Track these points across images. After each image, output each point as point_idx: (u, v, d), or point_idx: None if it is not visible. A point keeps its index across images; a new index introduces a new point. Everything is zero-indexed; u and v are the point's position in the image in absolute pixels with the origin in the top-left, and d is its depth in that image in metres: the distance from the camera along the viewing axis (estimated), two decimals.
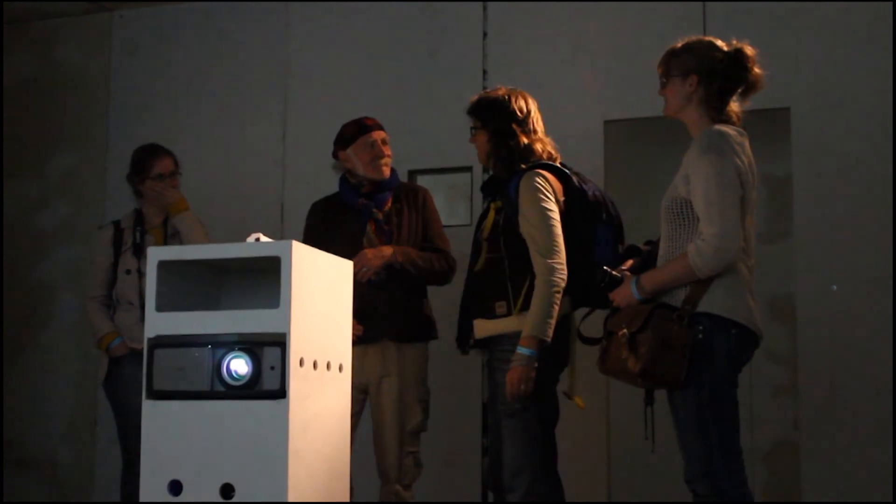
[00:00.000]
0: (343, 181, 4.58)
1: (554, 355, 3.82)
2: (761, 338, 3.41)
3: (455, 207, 5.80)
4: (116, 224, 4.91)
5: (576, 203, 3.91)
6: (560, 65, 5.46)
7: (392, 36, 5.80)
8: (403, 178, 5.54)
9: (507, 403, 3.81)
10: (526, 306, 3.80)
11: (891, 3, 4.97)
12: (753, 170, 3.42)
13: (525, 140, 3.96)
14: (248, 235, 3.19)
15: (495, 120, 3.99)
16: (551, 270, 3.75)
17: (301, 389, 3.02)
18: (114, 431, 4.86)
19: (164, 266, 3.14)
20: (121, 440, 4.79)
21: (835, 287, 4.94)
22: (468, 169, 5.52)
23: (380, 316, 4.30)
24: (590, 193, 3.95)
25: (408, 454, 4.40)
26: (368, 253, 4.30)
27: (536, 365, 3.73)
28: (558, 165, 3.97)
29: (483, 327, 3.93)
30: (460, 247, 4.53)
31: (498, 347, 3.88)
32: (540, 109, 4.07)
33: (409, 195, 4.56)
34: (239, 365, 3.00)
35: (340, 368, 3.28)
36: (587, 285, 3.78)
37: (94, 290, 4.83)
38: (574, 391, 3.92)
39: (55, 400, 6.17)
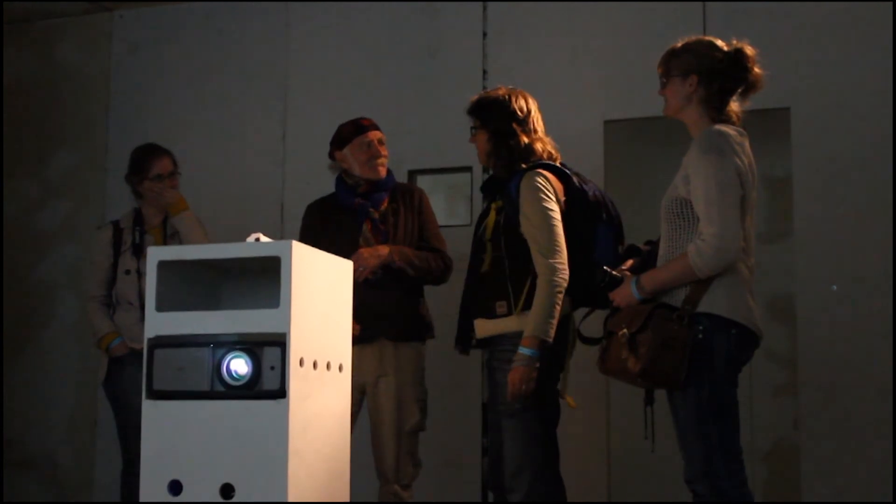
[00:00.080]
0: (339, 181, 4.59)
1: (554, 355, 3.82)
2: (761, 338, 3.41)
3: (455, 207, 5.80)
4: (115, 224, 4.91)
5: (576, 203, 3.91)
6: (560, 65, 5.45)
7: (392, 36, 5.80)
8: (403, 178, 5.55)
9: (508, 403, 3.81)
10: (527, 306, 3.80)
11: (891, 4, 4.97)
12: (753, 170, 3.43)
13: (525, 140, 3.96)
14: (248, 235, 3.19)
15: (495, 120, 3.99)
16: (553, 270, 3.76)
17: (301, 389, 3.02)
18: (114, 431, 4.87)
19: (163, 266, 3.14)
20: (121, 440, 4.79)
21: (835, 287, 4.94)
22: (468, 169, 5.52)
23: (376, 315, 4.30)
24: (590, 193, 3.95)
25: (406, 454, 4.40)
26: (365, 252, 4.30)
27: (538, 365, 3.73)
28: (558, 165, 3.97)
29: (484, 327, 3.93)
30: (460, 247, 4.53)
31: (498, 347, 3.88)
32: (540, 109, 4.07)
33: (405, 195, 4.57)
34: (239, 365, 3.00)
35: (340, 368, 3.28)
36: (587, 285, 3.78)
37: (94, 291, 4.83)
38: (565, 390, 3.92)
39: (55, 400, 6.17)
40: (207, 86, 6.12)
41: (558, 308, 3.75)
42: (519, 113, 3.98)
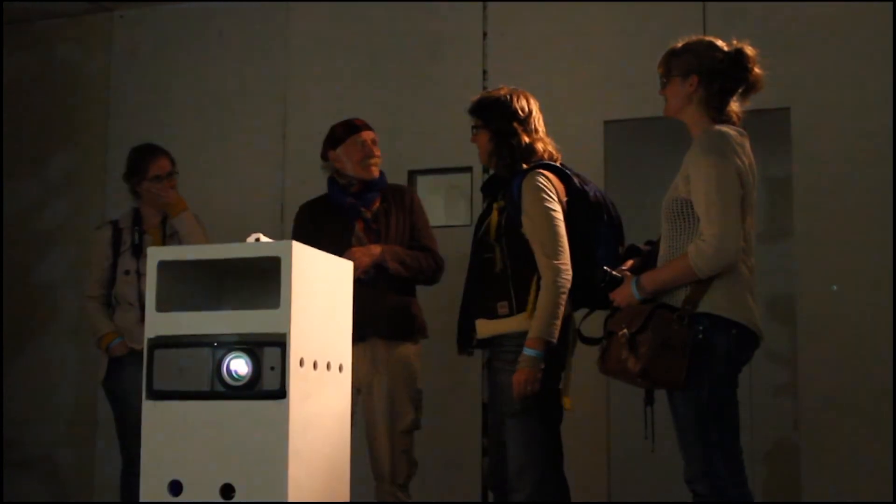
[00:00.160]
0: (332, 182, 4.61)
1: (556, 356, 3.82)
2: (761, 338, 3.41)
3: (455, 207, 5.80)
4: (114, 224, 4.91)
5: (577, 203, 3.91)
6: (560, 65, 5.45)
7: (392, 36, 5.80)
8: (403, 178, 5.55)
9: (511, 404, 3.81)
10: (527, 307, 3.80)
11: (891, 4, 4.97)
12: (754, 170, 3.43)
13: (526, 139, 3.96)
14: (248, 235, 3.19)
15: (497, 119, 3.99)
16: (557, 272, 3.76)
17: (301, 389, 3.02)
18: (114, 431, 4.87)
19: (164, 266, 3.14)
20: (120, 440, 4.79)
21: (835, 287, 4.94)
22: (468, 169, 5.52)
23: (369, 315, 4.30)
24: (591, 194, 3.96)
25: (401, 453, 4.40)
26: (357, 252, 4.30)
27: (543, 366, 3.73)
28: (559, 166, 3.97)
29: (485, 327, 3.93)
30: (460, 247, 4.53)
31: (500, 348, 3.89)
32: (540, 109, 4.07)
33: (396, 195, 4.59)
34: (239, 365, 3.00)
35: (340, 368, 3.28)
36: (588, 286, 3.78)
37: (93, 290, 4.83)
38: (566, 391, 3.92)
39: (55, 400, 6.17)
40: (207, 86, 6.12)
41: (562, 309, 3.76)
42: (520, 113, 3.98)
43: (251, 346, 2.99)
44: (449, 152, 5.55)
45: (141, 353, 3.15)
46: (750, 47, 3.47)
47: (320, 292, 3.19)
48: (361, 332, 4.28)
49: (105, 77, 6.34)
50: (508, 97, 4.01)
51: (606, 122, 5.39)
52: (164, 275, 3.14)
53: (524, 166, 3.93)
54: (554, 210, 3.83)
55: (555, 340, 3.75)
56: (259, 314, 3.03)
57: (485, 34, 5.63)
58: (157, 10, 6.26)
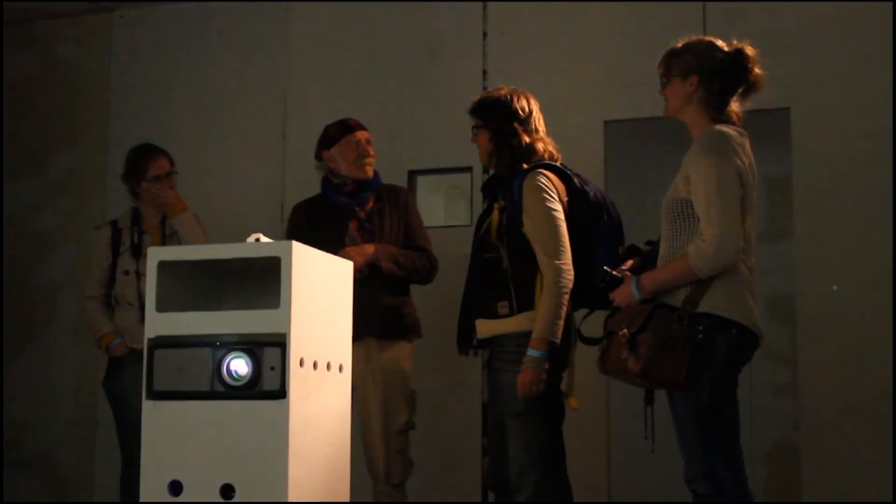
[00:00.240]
0: (326, 181, 4.62)
1: (558, 356, 3.82)
2: (762, 338, 3.41)
3: (455, 207, 5.80)
4: (114, 224, 4.90)
5: (578, 203, 3.91)
6: (560, 65, 5.45)
7: (392, 36, 5.80)
8: (403, 177, 5.55)
9: (512, 404, 3.81)
10: (528, 307, 3.81)
11: (891, 4, 4.97)
12: (754, 170, 3.43)
13: (527, 139, 3.96)
14: (248, 235, 3.19)
15: (497, 119, 3.99)
16: (559, 272, 3.76)
17: (301, 390, 3.02)
18: (114, 431, 4.87)
19: (164, 266, 3.14)
20: (120, 440, 4.79)
21: (835, 287, 4.94)
22: (468, 169, 5.52)
23: (362, 314, 4.29)
24: (591, 194, 3.96)
25: (396, 453, 4.40)
26: (350, 251, 4.30)
27: (547, 366, 3.73)
28: (560, 166, 3.97)
29: (485, 327, 3.93)
30: (460, 247, 4.53)
31: (501, 348, 3.89)
32: (540, 109, 4.07)
33: (390, 195, 4.60)
34: (239, 365, 3.00)
35: (340, 368, 3.28)
36: (588, 286, 3.78)
37: (93, 290, 4.83)
38: (571, 391, 3.93)
39: (55, 400, 6.17)
40: (207, 86, 6.12)
41: (565, 309, 3.76)
42: (520, 113, 3.98)
43: (251, 346, 2.99)
44: (449, 152, 5.55)
45: (141, 352, 3.15)
46: (750, 47, 3.47)
47: (320, 292, 3.19)
48: (355, 331, 4.27)
49: (105, 77, 6.34)
50: (509, 97, 4.01)
51: (606, 122, 5.40)
52: (164, 275, 3.14)
53: (525, 166, 3.94)
54: (555, 210, 3.83)
55: (558, 340, 3.75)
56: (259, 314, 3.03)
57: (485, 34, 5.63)
58: (157, 10, 6.26)
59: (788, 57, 5.00)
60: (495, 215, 3.97)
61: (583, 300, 3.90)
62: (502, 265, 3.89)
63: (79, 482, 6.10)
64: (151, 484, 3.04)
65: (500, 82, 4.57)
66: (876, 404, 4.81)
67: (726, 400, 3.34)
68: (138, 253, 4.74)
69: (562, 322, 3.76)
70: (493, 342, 3.93)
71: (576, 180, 3.95)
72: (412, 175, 5.67)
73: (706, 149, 3.35)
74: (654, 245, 3.60)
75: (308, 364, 3.06)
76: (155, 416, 3.07)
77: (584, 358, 3.93)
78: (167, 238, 4.80)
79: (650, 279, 3.41)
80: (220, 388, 3.01)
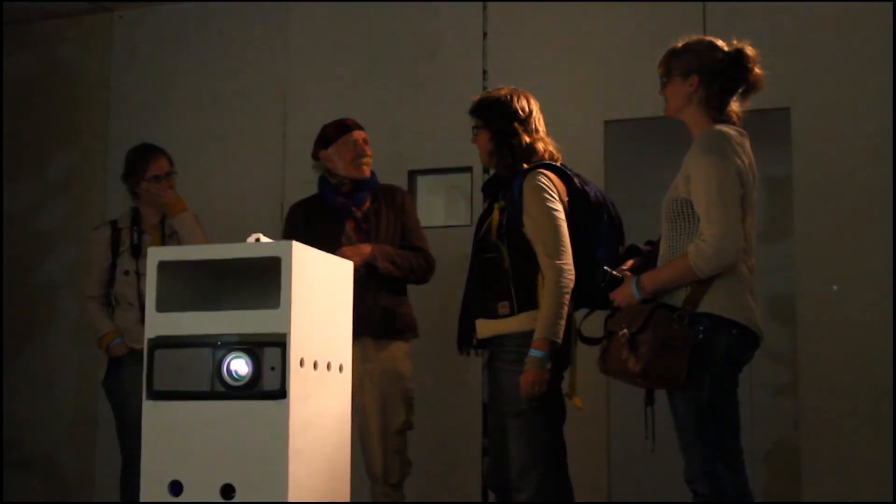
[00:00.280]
0: (323, 181, 4.63)
1: (559, 356, 3.82)
2: (762, 338, 3.41)
3: (455, 207, 5.80)
4: (113, 224, 4.90)
5: (578, 203, 3.92)
6: (560, 65, 5.45)
7: (392, 36, 5.80)
8: (403, 177, 5.55)
9: (512, 404, 3.82)
10: (529, 306, 3.81)
11: (891, 4, 4.97)
12: (754, 170, 3.43)
13: (527, 139, 3.96)
14: (248, 236, 3.19)
15: (497, 119, 3.99)
16: (560, 271, 3.76)
17: (301, 390, 3.02)
18: (114, 431, 4.86)
19: (164, 266, 3.14)
20: (120, 440, 4.79)
21: (835, 287, 4.94)
22: (468, 169, 5.52)
23: (359, 314, 4.29)
24: (591, 194, 3.96)
25: (394, 453, 4.41)
26: (347, 251, 4.30)
27: (550, 366, 3.73)
28: (560, 166, 3.97)
29: (486, 327, 3.94)
30: (460, 247, 4.53)
31: (501, 348, 3.89)
32: (540, 109, 4.07)
33: (387, 195, 4.60)
34: (239, 365, 3.01)
35: (341, 369, 3.28)
36: (588, 286, 3.79)
37: (92, 290, 4.82)
38: (574, 391, 3.93)
39: (55, 400, 6.17)
40: (207, 86, 6.12)
41: (566, 309, 3.76)
42: (521, 113, 3.99)
43: (251, 346, 2.99)
44: (449, 152, 5.55)
45: (141, 352, 3.15)
46: (750, 47, 3.47)
47: (320, 292, 3.19)
48: (352, 331, 4.29)
49: (105, 77, 6.34)
50: (509, 97, 4.01)
51: (606, 122, 5.39)
52: (164, 275, 3.14)
53: (525, 166, 3.94)
54: (556, 210, 3.83)
55: (560, 340, 3.75)
56: (259, 314, 3.03)
57: (485, 34, 5.63)
58: (157, 10, 6.26)
59: (788, 57, 5.00)
60: (495, 215, 3.97)
61: (583, 300, 3.90)
62: (503, 265, 3.89)
63: (79, 482, 6.10)
64: (151, 484, 3.05)
65: (500, 82, 4.56)
66: (876, 404, 4.81)
67: (726, 400, 3.34)
68: (138, 253, 4.74)
69: (563, 322, 3.76)
70: (493, 342, 3.93)
71: (576, 180, 3.95)
72: (412, 175, 5.67)
73: (706, 149, 3.35)
74: (654, 245, 3.60)
75: (308, 364, 3.06)
76: (155, 416, 3.07)
77: (584, 358, 3.93)
78: (167, 238, 4.80)
79: (650, 279, 3.42)
80: (220, 388, 3.01)
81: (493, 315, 3.90)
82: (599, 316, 3.74)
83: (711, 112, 3.46)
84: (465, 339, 4.06)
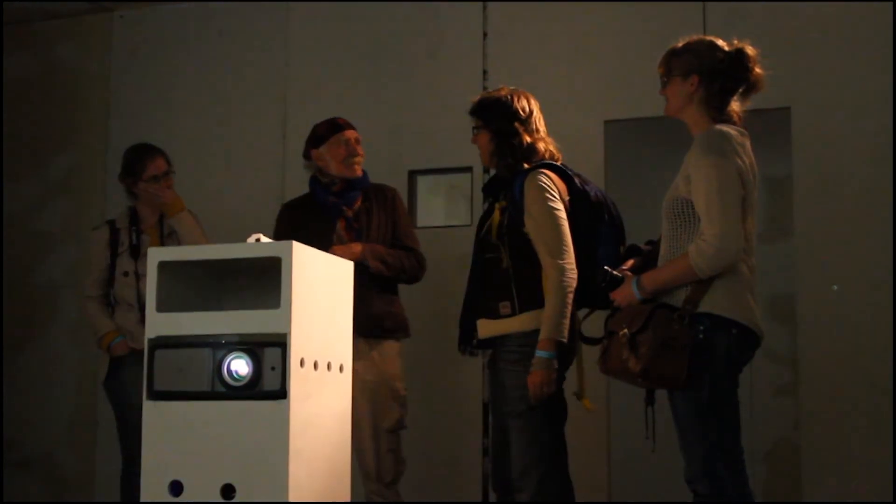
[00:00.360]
0: (314, 180, 4.63)
1: (561, 356, 3.81)
2: (762, 338, 3.41)
3: (455, 208, 5.80)
4: (111, 224, 4.88)
5: (579, 203, 3.91)
6: (560, 65, 5.45)
7: (392, 36, 5.80)
8: (403, 178, 5.55)
9: (514, 404, 3.81)
10: (530, 306, 3.81)
11: (891, 4, 4.97)
12: (754, 170, 3.43)
13: (528, 139, 3.96)
14: (249, 236, 3.19)
15: (498, 120, 3.99)
16: (562, 271, 3.76)
17: (301, 390, 3.02)
18: (114, 431, 4.86)
19: (164, 267, 3.14)
20: (121, 440, 4.79)
21: (835, 287, 4.94)
22: (468, 169, 5.52)
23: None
24: (591, 194, 3.96)
25: (387, 452, 4.41)
26: (338, 250, 4.30)
27: (556, 366, 3.73)
28: (561, 166, 3.97)
29: (487, 328, 3.93)
30: (461, 247, 4.53)
31: (502, 348, 3.89)
32: (541, 109, 4.07)
33: (378, 195, 4.61)
34: (239, 365, 3.01)
35: (341, 369, 3.28)
36: (589, 285, 3.79)
37: (92, 290, 4.81)
38: (583, 392, 3.93)
39: (55, 400, 6.17)
40: (207, 86, 6.12)
41: (570, 308, 3.76)
42: (521, 113, 3.98)
43: (252, 346, 3.00)
44: (449, 152, 5.55)
45: (142, 353, 3.15)
46: (750, 47, 3.47)
47: (321, 292, 3.19)
48: None
49: (105, 77, 6.34)
50: (509, 97, 4.01)
51: (606, 122, 5.39)
52: (164, 275, 3.14)
53: (526, 166, 3.94)
54: (557, 209, 3.83)
55: (565, 339, 3.75)
56: (259, 314, 3.03)
57: (485, 34, 5.63)
58: (157, 10, 6.26)
59: (788, 57, 5.00)
60: (496, 215, 3.97)
61: (583, 300, 3.90)
62: (504, 265, 3.89)
63: (79, 482, 6.09)
64: (152, 484, 3.05)
65: (500, 82, 4.57)
66: (876, 404, 4.81)
67: (727, 400, 3.34)
68: (137, 253, 4.73)
69: (567, 321, 3.76)
70: (494, 342, 3.93)
71: (576, 180, 3.95)
72: (412, 175, 5.67)
73: (707, 148, 3.35)
74: (654, 245, 3.60)
75: (308, 364, 3.06)
76: (155, 416, 3.07)
77: (585, 358, 3.93)
78: (165, 238, 4.79)
79: (651, 279, 3.42)
80: (220, 388, 3.02)
81: (494, 315, 3.89)
82: (600, 316, 3.74)
83: (712, 112, 3.46)
84: (467, 339, 4.06)
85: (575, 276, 3.78)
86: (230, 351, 3.01)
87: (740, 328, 3.32)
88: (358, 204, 4.57)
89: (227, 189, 5.95)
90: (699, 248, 3.28)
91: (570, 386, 3.91)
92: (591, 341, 3.78)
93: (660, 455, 3.63)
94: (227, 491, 2.98)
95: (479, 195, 5.24)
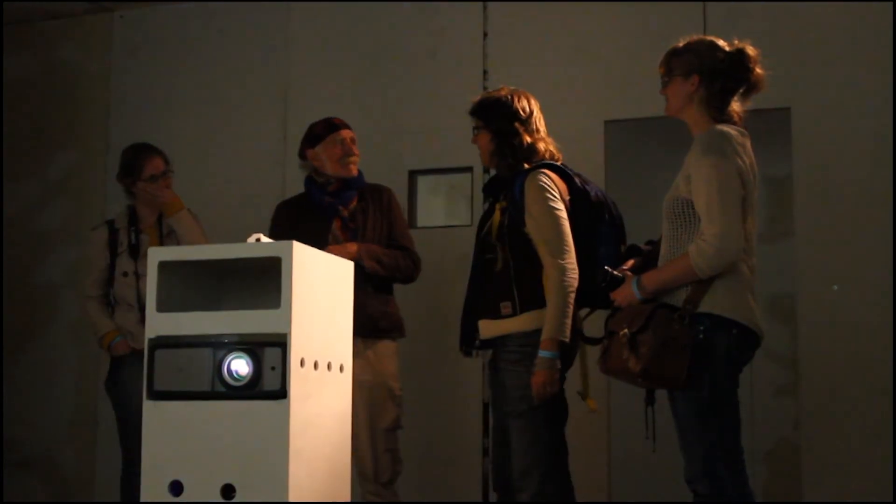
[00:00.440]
0: (309, 180, 4.64)
1: (563, 355, 3.81)
2: (762, 338, 3.41)
3: (455, 208, 5.80)
4: (110, 224, 4.88)
5: (579, 203, 3.92)
6: (560, 65, 5.45)
7: (392, 36, 5.80)
8: (404, 177, 5.55)
9: (515, 404, 3.81)
10: (531, 306, 3.80)
11: (891, 4, 4.97)
12: (754, 170, 3.43)
13: (528, 139, 3.96)
14: (249, 236, 3.19)
15: (498, 120, 3.99)
16: (563, 270, 3.76)
17: (302, 390, 3.02)
18: (115, 431, 4.86)
19: (164, 266, 3.14)
20: (121, 440, 4.78)
21: (835, 287, 4.94)
22: (469, 169, 5.52)
23: None
24: (592, 194, 3.96)
25: (384, 452, 4.41)
26: (333, 250, 4.30)
27: (560, 366, 3.73)
28: (561, 165, 3.97)
29: (488, 328, 3.93)
30: (461, 247, 4.53)
31: (503, 348, 3.88)
32: (541, 109, 4.07)
33: (373, 195, 4.62)
34: (240, 365, 3.01)
35: (341, 369, 3.28)
36: (589, 285, 3.79)
37: (92, 290, 4.81)
38: (587, 393, 3.93)
39: (55, 400, 6.17)
40: (208, 86, 6.12)
41: (571, 308, 3.76)
42: (521, 113, 3.98)
43: (252, 346, 2.99)
44: (449, 152, 5.55)
45: (142, 353, 3.15)
46: (751, 47, 3.47)
47: (321, 292, 3.19)
48: None
49: (105, 77, 6.34)
50: (509, 97, 4.01)
51: (606, 122, 5.39)
52: (164, 275, 3.13)
53: (526, 166, 3.94)
54: (558, 209, 3.83)
55: (568, 339, 3.75)
56: (260, 314, 3.03)
57: (485, 34, 5.63)
58: (157, 10, 6.26)
59: (788, 57, 5.00)
60: (497, 216, 3.97)
61: (584, 300, 3.90)
62: (504, 265, 3.89)
63: (79, 482, 6.09)
64: (152, 484, 3.04)
65: (500, 82, 4.57)
66: (876, 404, 4.81)
67: (727, 400, 3.34)
68: (136, 253, 4.73)
69: (569, 321, 3.75)
70: (496, 342, 3.93)
71: (577, 180, 3.96)
72: (412, 175, 5.67)
73: (707, 148, 3.35)
74: (655, 245, 3.60)
75: (309, 364, 3.06)
76: (155, 416, 3.07)
77: (586, 358, 3.93)
78: (165, 237, 4.79)
79: (651, 279, 3.42)
80: (220, 388, 3.01)
81: (495, 315, 3.89)
82: (600, 316, 3.74)
83: (712, 112, 3.46)
84: (468, 339, 4.06)
85: (576, 275, 3.78)
86: (230, 351, 3.01)
87: (740, 328, 3.33)
88: (353, 204, 4.57)
89: (227, 189, 5.95)
90: (699, 248, 3.28)
91: (570, 386, 3.91)
92: (592, 341, 3.79)
93: (660, 455, 3.63)
94: (227, 491, 2.98)
95: (479, 195, 5.24)
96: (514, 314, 3.85)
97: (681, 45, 3.53)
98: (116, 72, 6.32)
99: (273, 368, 2.97)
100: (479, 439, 5.33)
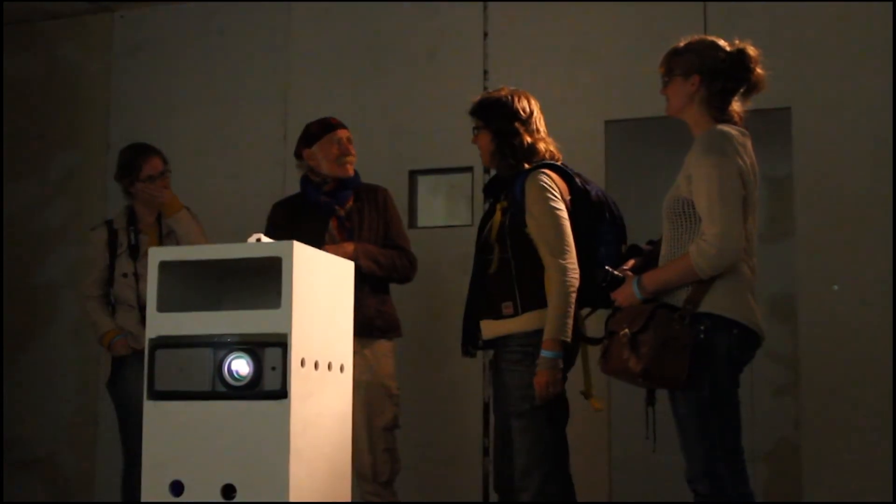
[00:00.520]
0: (305, 180, 4.64)
1: (564, 355, 3.81)
2: (763, 338, 3.41)
3: (456, 208, 5.80)
4: (109, 224, 4.88)
5: (580, 203, 3.91)
6: (560, 65, 5.46)
7: (392, 36, 5.80)
8: (404, 178, 5.55)
9: (516, 404, 3.81)
10: (532, 306, 3.81)
11: (891, 3, 4.97)
12: (755, 170, 3.43)
13: (528, 140, 3.96)
14: (249, 236, 3.19)
15: (498, 120, 3.98)
16: (564, 270, 3.76)
17: (302, 390, 3.02)
18: (115, 431, 4.86)
19: (164, 266, 3.14)
20: (123, 440, 4.78)
21: (836, 287, 4.94)
22: (469, 169, 5.52)
23: None
24: (592, 194, 3.96)
25: (383, 451, 4.41)
26: (330, 249, 4.29)
27: (562, 366, 3.73)
28: (561, 165, 3.97)
29: (490, 328, 3.93)
30: (461, 247, 4.53)
31: (505, 348, 3.88)
32: (541, 110, 4.07)
33: (370, 195, 4.62)
34: (240, 365, 3.01)
35: (341, 369, 3.28)
36: (590, 285, 3.79)
37: (92, 290, 4.80)
38: (591, 392, 3.93)
39: (56, 400, 6.17)
40: (208, 86, 6.12)
41: (573, 308, 3.76)
42: (522, 113, 3.98)
43: (252, 346, 3.00)
44: (449, 152, 5.55)
45: (143, 353, 3.15)
46: (752, 47, 3.47)
47: (321, 292, 3.19)
48: None
49: (105, 77, 6.34)
50: (510, 97, 4.01)
51: (606, 122, 5.40)
52: (164, 275, 3.14)
53: (526, 166, 3.94)
54: (559, 209, 3.83)
55: (569, 339, 3.75)
56: (260, 314, 3.03)
57: (485, 34, 5.63)
58: (158, 10, 6.26)
59: (788, 57, 5.00)
60: (497, 216, 3.97)
61: (585, 300, 3.90)
62: (505, 265, 3.89)
63: (79, 482, 6.10)
64: (152, 484, 3.05)
65: (500, 82, 4.57)
66: (876, 404, 4.81)
67: (727, 400, 3.34)
68: (136, 254, 4.73)
69: (571, 320, 3.75)
70: (497, 342, 3.93)
71: (577, 180, 3.96)
72: (413, 175, 5.67)
73: (708, 148, 3.35)
74: (655, 245, 3.60)
75: (309, 364, 3.06)
76: (156, 416, 3.07)
77: (587, 358, 3.93)
78: (164, 237, 4.79)
79: (651, 279, 3.42)
80: (221, 388, 3.01)
81: (497, 315, 3.89)
82: (600, 315, 3.74)
83: (713, 112, 3.46)
84: (470, 340, 4.06)
85: (577, 275, 3.78)
86: (231, 351, 3.01)
87: (741, 328, 3.33)
88: (350, 203, 4.58)
89: (227, 189, 5.95)
90: (700, 248, 3.28)
91: (571, 385, 3.91)
92: (592, 341, 3.79)
93: (660, 455, 3.63)
94: (228, 491, 2.98)
95: (479, 195, 5.24)
96: (515, 314, 3.84)
97: (681, 44, 3.53)
98: (116, 72, 6.32)
99: (273, 368, 2.98)
100: (479, 439, 5.33)
